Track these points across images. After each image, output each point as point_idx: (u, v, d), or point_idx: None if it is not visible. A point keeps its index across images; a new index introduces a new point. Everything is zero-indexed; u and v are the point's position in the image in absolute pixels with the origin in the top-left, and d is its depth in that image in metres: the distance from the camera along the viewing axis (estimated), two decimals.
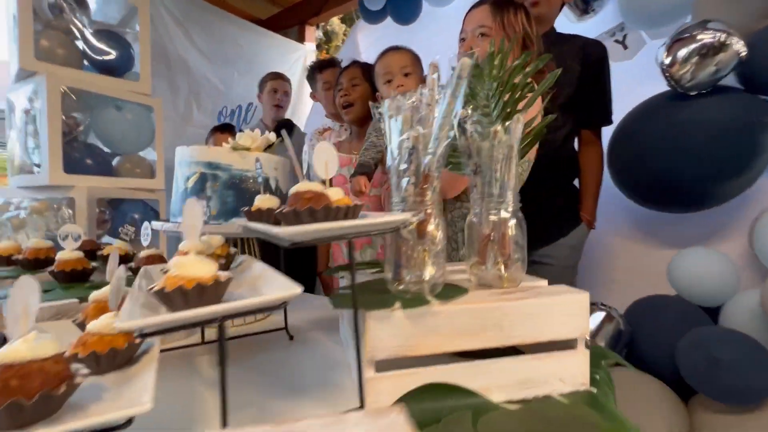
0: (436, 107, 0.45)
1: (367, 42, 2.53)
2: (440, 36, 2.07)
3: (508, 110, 0.55)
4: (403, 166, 0.45)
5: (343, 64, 1.49)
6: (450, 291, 0.44)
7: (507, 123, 0.47)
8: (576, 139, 1.21)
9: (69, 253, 0.71)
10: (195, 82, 2.29)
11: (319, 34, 3.29)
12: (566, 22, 1.55)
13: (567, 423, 0.38)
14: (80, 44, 1.15)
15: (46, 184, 1.04)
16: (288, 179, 0.80)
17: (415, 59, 1.13)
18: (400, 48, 1.14)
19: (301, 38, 3.10)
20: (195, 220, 0.48)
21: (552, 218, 1.13)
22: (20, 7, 1.02)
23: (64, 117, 1.08)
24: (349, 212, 0.41)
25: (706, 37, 0.99)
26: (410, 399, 0.39)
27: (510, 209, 0.49)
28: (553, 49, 1.01)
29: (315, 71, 1.70)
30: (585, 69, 1.12)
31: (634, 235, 1.38)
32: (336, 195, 0.45)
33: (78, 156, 1.12)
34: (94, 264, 0.75)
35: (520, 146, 0.51)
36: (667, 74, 1.07)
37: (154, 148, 1.34)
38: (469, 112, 0.52)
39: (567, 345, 0.44)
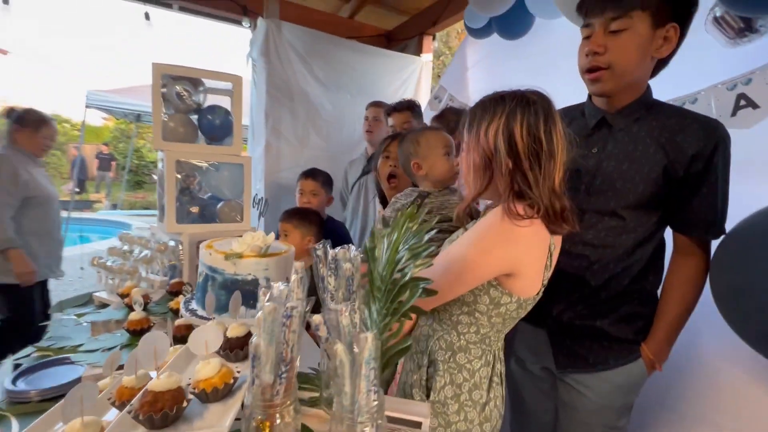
0: None
1: (476, 57, 2.35)
2: (554, 49, 1.79)
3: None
4: None
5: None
6: None
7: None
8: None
9: (137, 314, 1.00)
10: (312, 108, 2.60)
11: (436, 45, 3.22)
12: (709, 48, 1.11)
13: None
14: (194, 119, 1.50)
15: (166, 231, 1.44)
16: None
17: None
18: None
19: (419, 49, 3.10)
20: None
21: (601, 339, 0.92)
22: (154, 99, 1.40)
23: (179, 176, 1.44)
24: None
25: None
26: None
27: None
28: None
29: (387, 112, 1.72)
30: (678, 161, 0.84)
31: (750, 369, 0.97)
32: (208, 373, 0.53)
33: (188, 205, 1.50)
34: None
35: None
36: None
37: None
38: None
39: None
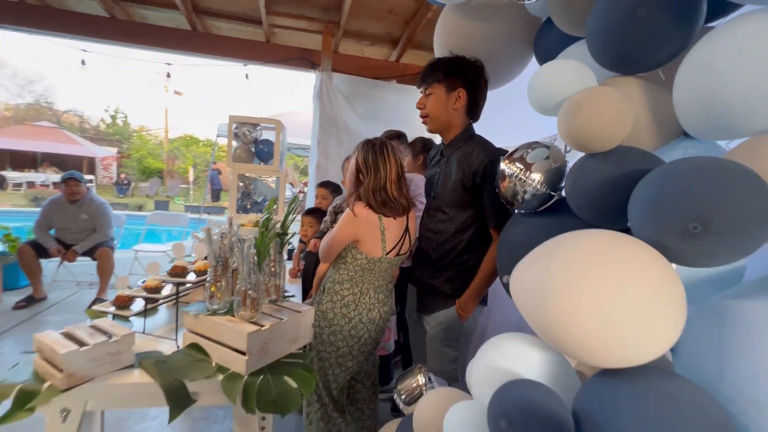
0: None
1: None
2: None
3: None
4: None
5: None
6: None
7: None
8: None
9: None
10: (353, 136, 3.33)
11: None
12: None
13: None
14: (253, 148, 2.34)
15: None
16: None
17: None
18: None
19: None
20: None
21: (433, 293, 1.40)
22: (228, 136, 2.27)
23: (241, 184, 2.29)
24: None
25: None
26: None
27: None
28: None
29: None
30: (466, 176, 1.30)
31: None
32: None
33: (247, 202, 2.33)
34: None
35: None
36: None
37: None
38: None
39: None
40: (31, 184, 13.76)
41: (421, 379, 1.18)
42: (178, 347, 1.21)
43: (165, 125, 20.61)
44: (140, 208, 11.66)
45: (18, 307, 3.26)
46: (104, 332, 1.07)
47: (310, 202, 3.32)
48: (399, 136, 2.30)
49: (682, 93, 0.77)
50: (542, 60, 1.35)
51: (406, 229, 1.39)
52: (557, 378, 0.72)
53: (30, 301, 3.35)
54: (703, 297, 0.74)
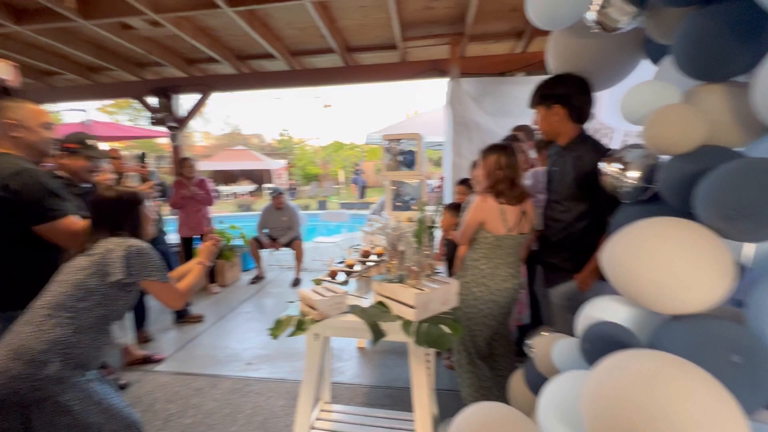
0: None
1: None
2: None
3: None
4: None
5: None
6: None
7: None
8: None
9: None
10: (484, 133, 3.64)
11: None
12: None
13: None
14: (400, 158, 2.94)
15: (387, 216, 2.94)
16: None
17: None
18: None
19: None
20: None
21: (555, 270, 1.69)
22: (384, 152, 2.92)
23: (393, 187, 2.92)
24: None
25: None
26: None
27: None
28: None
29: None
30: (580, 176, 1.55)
31: None
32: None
33: (398, 202, 2.96)
34: None
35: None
36: None
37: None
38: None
39: None
40: (235, 195, 18.27)
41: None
42: (371, 302, 1.85)
43: (317, 136, 24.17)
44: (306, 207, 14.24)
45: (252, 282, 4.76)
46: (332, 291, 1.76)
47: (447, 194, 3.80)
48: (525, 129, 2.55)
49: (761, 94, 0.93)
50: (654, 59, 1.49)
51: (524, 213, 1.75)
52: (634, 323, 1.00)
53: (257, 279, 4.83)
54: None
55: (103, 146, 2.45)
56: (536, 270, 1.97)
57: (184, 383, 2.61)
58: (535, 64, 3.86)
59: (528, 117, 3.31)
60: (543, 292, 1.85)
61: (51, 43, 3.46)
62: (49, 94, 4.73)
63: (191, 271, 1.62)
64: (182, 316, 3.59)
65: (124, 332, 2.82)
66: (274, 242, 4.76)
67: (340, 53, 3.96)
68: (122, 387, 2.54)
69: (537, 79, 3.63)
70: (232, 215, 12.49)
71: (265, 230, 4.88)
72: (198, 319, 3.62)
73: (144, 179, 2.75)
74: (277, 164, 21.57)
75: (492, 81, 3.66)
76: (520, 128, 2.60)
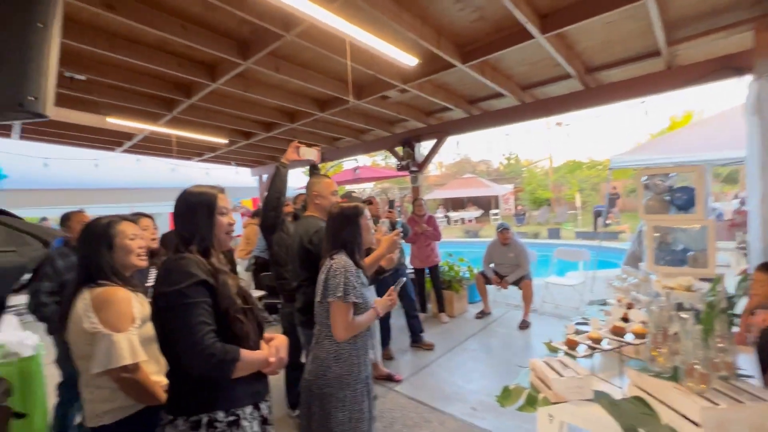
0: None
1: None
2: None
3: None
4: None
5: None
6: None
7: None
8: None
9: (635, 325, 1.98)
10: None
11: None
12: None
13: None
14: (668, 197, 2.28)
15: (644, 269, 2.31)
16: None
17: None
18: None
19: None
20: None
21: None
22: (638, 190, 2.35)
23: (657, 234, 2.29)
24: None
25: None
26: None
27: None
28: None
29: None
30: None
31: None
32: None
33: (663, 253, 2.29)
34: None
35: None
36: None
37: None
38: None
39: None
40: (462, 221, 19.29)
41: None
42: (623, 394, 1.46)
43: (549, 157, 22.59)
44: (536, 235, 13.31)
45: (477, 317, 4.80)
46: (570, 368, 1.51)
47: (754, 235, 2.66)
48: None
49: None
50: None
51: None
52: None
53: (482, 314, 4.82)
54: None
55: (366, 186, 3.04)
56: None
57: (417, 410, 2.85)
58: None
59: None
60: None
61: (337, 119, 4.76)
62: (336, 152, 6.52)
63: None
64: (416, 342, 3.99)
65: (374, 349, 3.38)
66: (501, 280, 4.65)
67: (578, 77, 3.55)
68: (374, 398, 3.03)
69: None
70: (459, 241, 13.21)
71: (491, 265, 4.85)
72: (429, 347, 3.92)
73: (392, 225, 3.26)
74: (503, 189, 21.45)
75: None
76: None
